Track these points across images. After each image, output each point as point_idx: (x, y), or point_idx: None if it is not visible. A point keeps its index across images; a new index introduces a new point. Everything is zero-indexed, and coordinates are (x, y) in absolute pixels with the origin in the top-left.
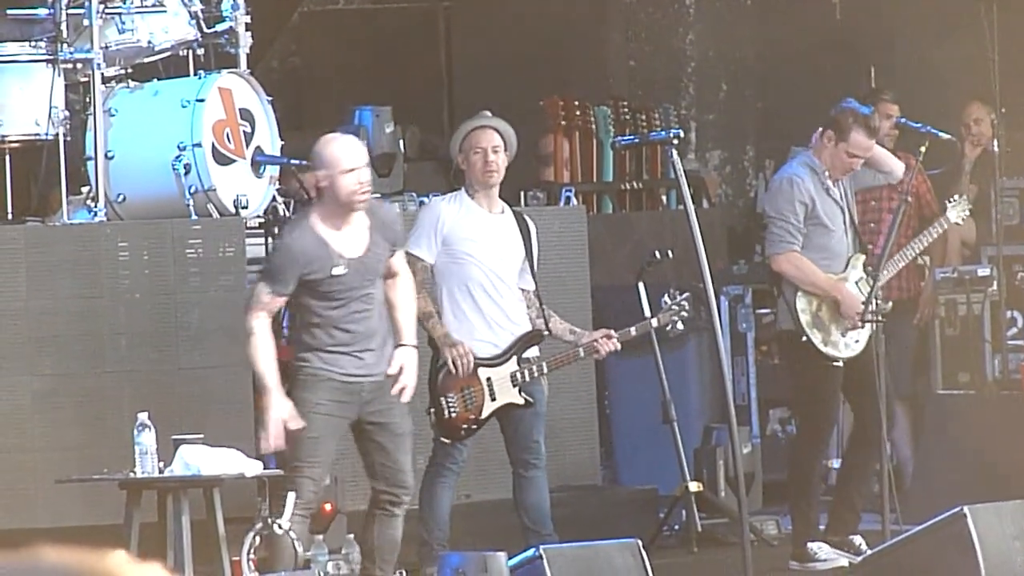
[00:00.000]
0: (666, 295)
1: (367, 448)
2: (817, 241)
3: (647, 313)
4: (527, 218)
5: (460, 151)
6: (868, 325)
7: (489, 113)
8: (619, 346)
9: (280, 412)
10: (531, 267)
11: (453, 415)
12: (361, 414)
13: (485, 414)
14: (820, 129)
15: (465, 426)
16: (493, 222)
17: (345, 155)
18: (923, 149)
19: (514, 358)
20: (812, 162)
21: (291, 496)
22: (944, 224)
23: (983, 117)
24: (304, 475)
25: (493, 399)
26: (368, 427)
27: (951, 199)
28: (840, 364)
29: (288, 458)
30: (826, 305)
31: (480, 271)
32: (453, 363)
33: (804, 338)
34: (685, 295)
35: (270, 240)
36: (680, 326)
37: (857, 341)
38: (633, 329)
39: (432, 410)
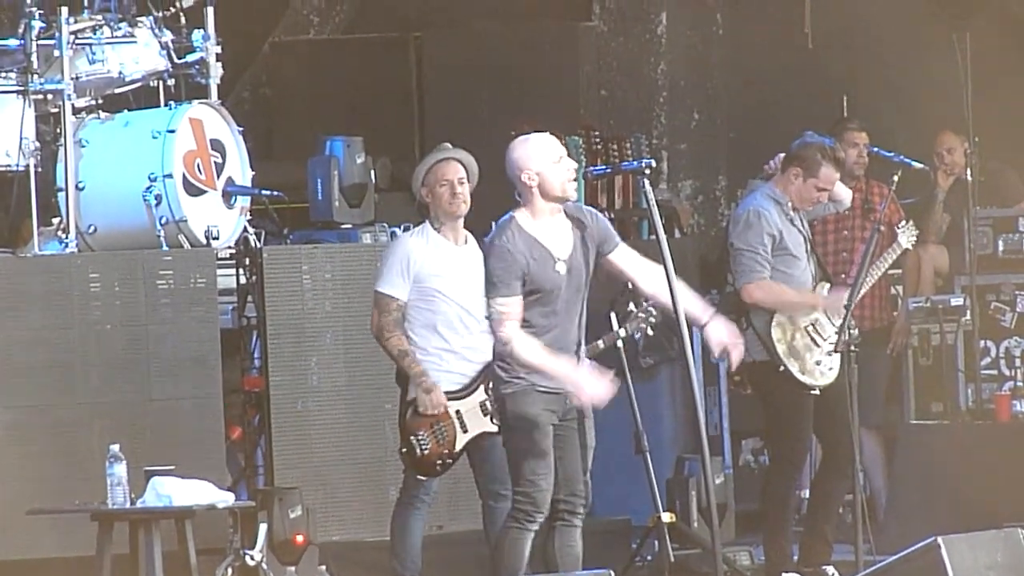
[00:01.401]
0: (631, 302)
1: None
2: (784, 271)
3: (615, 327)
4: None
5: (424, 184)
6: (841, 352)
7: (449, 145)
8: (588, 362)
9: (586, 376)
10: None
11: (425, 452)
12: (556, 424)
13: (459, 447)
14: (780, 164)
15: (440, 461)
16: (459, 255)
17: (551, 147)
18: (896, 178)
19: (481, 387)
20: (775, 194)
21: (263, 527)
22: (898, 249)
23: (956, 146)
24: (542, 489)
25: (465, 431)
26: (556, 436)
27: (899, 225)
28: (817, 392)
29: (522, 473)
30: (799, 334)
31: (448, 306)
32: (423, 405)
33: (781, 368)
34: (651, 300)
35: (241, 271)
36: (649, 332)
37: (831, 369)
38: (601, 342)
39: (404, 450)
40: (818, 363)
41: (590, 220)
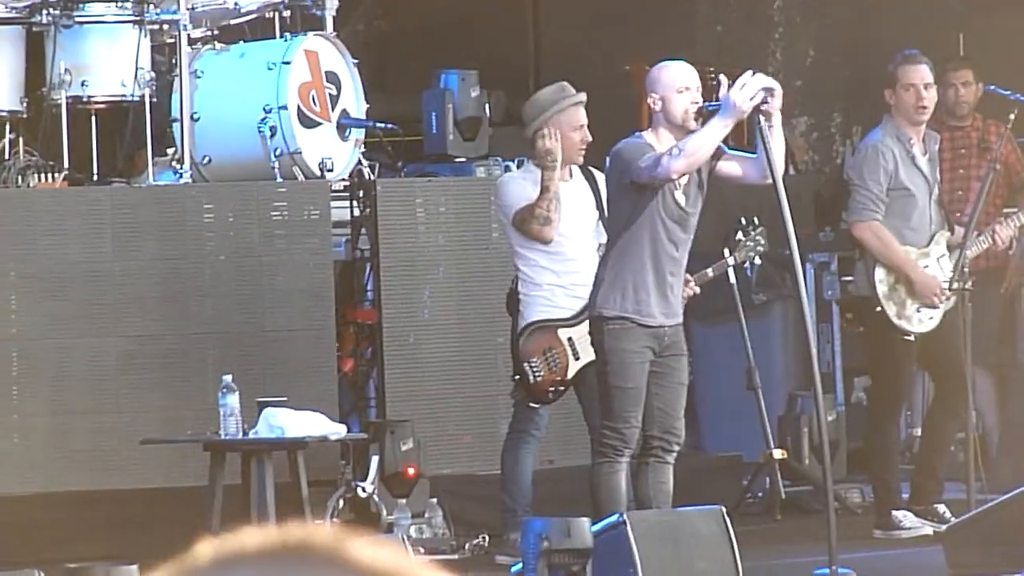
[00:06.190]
0: (739, 231)
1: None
2: (900, 211)
3: (727, 258)
4: (593, 171)
5: (552, 124)
6: (943, 302)
7: (569, 86)
8: (697, 289)
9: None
10: (602, 219)
11: (539, 379)
12: (654, 360)
13: (571, 374)
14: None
15: (552, 388)
16: (567, 189)
17: (681, 75)
18: (1012, 117)
19: None
20: (897, 130)
21: (375, 460)
22: (1021, 218)
23: None
24: (633, 426)
25: (577, 358)
26: (653, 372)
27: None
28: (911, 339)
29: (614, 411)
30: (904, 280)
31: (560, 240)
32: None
33: (878, 308)
34: (760, 229)
35: (355, 204)
36: (757, 260)
37: (931, 318)
38: (710, 270)
39: (517, 376)
40: (918, 310)
41: None
